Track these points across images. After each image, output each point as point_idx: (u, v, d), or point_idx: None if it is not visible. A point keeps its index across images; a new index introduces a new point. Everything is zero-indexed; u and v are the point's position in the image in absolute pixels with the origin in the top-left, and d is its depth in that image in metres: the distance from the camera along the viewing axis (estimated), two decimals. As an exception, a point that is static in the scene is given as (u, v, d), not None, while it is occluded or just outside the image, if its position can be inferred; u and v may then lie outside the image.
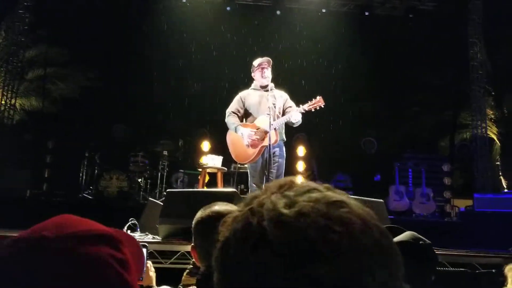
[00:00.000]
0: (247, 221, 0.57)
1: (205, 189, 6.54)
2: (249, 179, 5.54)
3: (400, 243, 2.01)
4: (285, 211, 0.55)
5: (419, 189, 9.65)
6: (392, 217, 7.63)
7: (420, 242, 1.99)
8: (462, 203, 9.81)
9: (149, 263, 2.48)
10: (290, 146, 7.99)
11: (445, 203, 9.92)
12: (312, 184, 0.62)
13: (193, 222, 2.01)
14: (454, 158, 11.61)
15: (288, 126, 5.44)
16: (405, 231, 2.10)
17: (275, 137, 5.22)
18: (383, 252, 0.56)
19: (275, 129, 5.21)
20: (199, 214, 2.02)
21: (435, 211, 9.52)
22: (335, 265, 0.52)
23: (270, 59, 5.45)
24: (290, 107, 5.40)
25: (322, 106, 5.14)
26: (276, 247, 0.53)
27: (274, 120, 5.22)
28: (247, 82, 5.68)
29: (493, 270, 4.43)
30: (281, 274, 0.52)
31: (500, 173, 12.23)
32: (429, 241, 2.02)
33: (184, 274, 2.41)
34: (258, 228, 0.55)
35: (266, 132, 5.14)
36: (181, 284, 2.21)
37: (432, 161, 10.52)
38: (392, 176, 9.91)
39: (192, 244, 2.03)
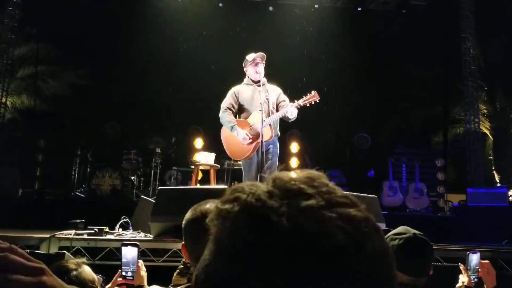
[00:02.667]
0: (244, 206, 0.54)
1: (197, 186, 6.50)
2: (243, 175, 5.53)
3: (394, 235, 2.01)
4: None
5: (413, 184, 9.66)
6: (385, 212, 7.65)
7: (413, 232, 2.00)
8: (455, 198, 9.85)
9: (140, 262, 2.44)
10: (283, 142, 7.97)
11: (439, 198, 9.95)
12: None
13: (183, 222, 1.98)
14: (448, 153, 11.63)
15: (282, 121, 5.43)
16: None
17: (270, 133, 5.21)
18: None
19: (269, 124, 5.19)
20: (189, 213, 1.99)
21: (428, 206, 9.54)
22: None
23: (264, 54, 5.43)
24: (284, 101, 5.38)
25: (317, 101, 5.12)
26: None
27: (268, 115, 5.20)
28: (240, 78, 5.65)
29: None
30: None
31: (493, 168, 12.29)
32: (420, 233, 2.03)
33: (175, 274, 2.38)
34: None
35: (259, 129, 5.12)
36: (172, 284, 2.18)
37: (425, 156, 10.53)
38: (386, 172, 9.92)
39: (183, 243, 2.00)
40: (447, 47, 11.66)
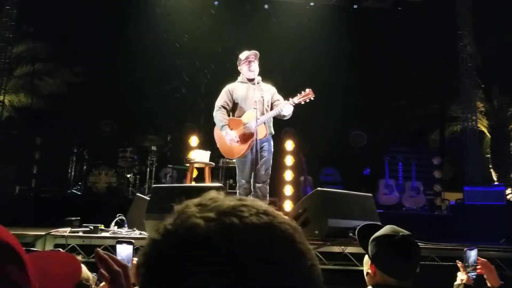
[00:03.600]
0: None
1: (192, 184, 6.50)
2: (237, 173, 5.52)
3: (381, 237, 1.99)
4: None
5: (409, 182, 9.67)
6: (381, 211, 7.63)
7: (400, 234, 1.97)
8: (452, 196, 9.84)
9: (135, 260, 2.44)
10: (278, 140, 7.95)
11: (435, 197, 9.95)
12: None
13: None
14: (444, 151, 11.63)
15: (276, 119, 5.43)
16: (383, 227, 2.08)
17: (265, 131, 5.22)
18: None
19: (264, 123, 5.19)
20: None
21: (425, 205, 9.54)
22: None
23: (257, 52, 5.43)
24: (278, 100, 5.40)
25: (312, 99, 5.13)
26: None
27: (262, 113, 5.21)
28: (235, 76, 5.65)
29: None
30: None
31: (491, 166, 12.28)
32: (409, 232, 2.01)
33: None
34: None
35: (253, 127, 5.12)
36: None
37: (422, 154, 10.55)
38: (382, 170, 9.92)
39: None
40: (443, 44, 11.65)
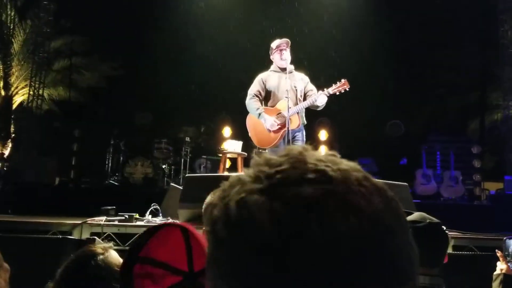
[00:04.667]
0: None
1: (224, 173, 6.53)
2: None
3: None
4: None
5: (448, 172, 9.40)
6: (418, 201, 7.47)
7: (427, 221, 1.91)
8: (493, 186, 9.53)
9: None
10: (311, 130, 7.89)
11: (475, 186, 9.63)
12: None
13: (203, 206, 1.98)
14: (485, 140, 11.26)
15: (309, 109, 5.37)
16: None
17: (298, 121, 5.17)
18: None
19: (297, 113, 5.15)
20: (208, 197, 1.99)
21: (464, 195, 9.26)
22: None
23: (288, 40, 5.37)
24: (311, 90, 5.32)
25: (347, 89, 5.05)
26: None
27: (295, 103, 5.16)
28: (266, 64, 5.61)
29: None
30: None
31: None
32: (438, 220, 1.94)
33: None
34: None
35: (286, 117, 5.08)
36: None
37: (461, 143, 10.22)
38: (419, 160, 9.69)
39: (203, 228, 2.00)
40: (484, 30, 11.24)
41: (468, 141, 10.56)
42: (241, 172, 0.55)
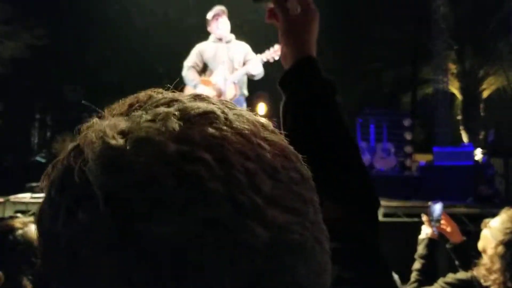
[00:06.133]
0: (67, 167, 0.36)
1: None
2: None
3: None
4: (115, 141, 0.34)
5: (380, 144, 9.67)
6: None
7: None
8: (423, 158, 9.91)
9: None
10: (250, 103, 7.81)
11: (406, 158, 9.99)
12: (176, 95, 0.40)
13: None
14: (416, 113, 11.68)
15: (251, 82, 5.28)
16: None
17: (234, 91, 5.05)
18: (279, 180, 0.35)
19: (234, 83, 5.03)
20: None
21: (395, 166, 9.58)
22: (198, 213, 0.32)
23: (224, 7, 5.19)
24: (252, 59, 5.17)
25: None
26: (103, 201, 0.32)
27: (231, 73, 5.03)
28: (205, 37, 5.43)
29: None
30: (114, 240, 0.32)
31: (461, 127, 12.43)
32: None
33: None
34: (79, 174, 0.34)
35: (222, 87, 4.96)
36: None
37: (394, 116, 10.52)
38: (354, 133, 9.90)
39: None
40: (417, 5, 11.53)
41: (401, 115, 10.91)
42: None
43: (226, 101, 0.41)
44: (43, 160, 8.46)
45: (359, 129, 9.91)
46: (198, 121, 0.36)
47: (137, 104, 0.39)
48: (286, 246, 0.33)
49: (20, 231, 1.87)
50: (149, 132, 0.34)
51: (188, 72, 5.20)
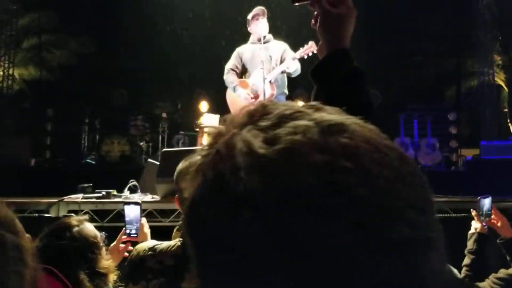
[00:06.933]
0: (216, 173, 0.41)
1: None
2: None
3: None
4: (263, 151, 0.39)
5: (425, 139, 9.49)
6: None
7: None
8: (469, 152, 9.66)
9: (144, 220, 2.52)
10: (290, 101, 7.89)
11: (451, 153, 9.77)
12: (294, 106, 0.45)
13: (175, 173, 1.96)
14: (461, 107, 11.38)
15: (291, 80, 5.34)
16: None
17: (271, 91, 5.10)
18: (407, 184, 0.40)
19: (270, 82, 5.08)
20: (180, 165, 1.95)
21: (441, 161, 9.38)
22: (350, 217, 0.36)
23: (264, 8, 5.26)
24: (288, 57, 5.22)
25: (315, 52, 4.95)
26: (262, 205, 0.37)
27: (269, 73, 5.09)
28: (245, 38, 5.52)
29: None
30: (272, 240, 0.37)
31: (508, 120, 12.02)
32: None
33: (174, 230, 2.38)
34: (232, 180, 0.39)
35: (260, 88, 5.03)
36: (172, 239, 2.19)
37: (438, 111, 10.30)
38: (397, 128, 9.76)
39: (177, 195, 1.99)
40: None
41: (445, 109, 10.66)
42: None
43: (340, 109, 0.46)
44: (92, 162, 8.79)
45: (402, 125, 9.77)
46: (332, 132, 0.40)
47: (257, 115, 0.44)
48: (423, 242, 0.38)
49: (76, 228, 2.01)
50: (294, 143, 0.38)
51: (228, 75, 5.33)
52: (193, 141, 8.72)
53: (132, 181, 5.30)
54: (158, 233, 2.50)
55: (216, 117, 6.51)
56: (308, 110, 0.43)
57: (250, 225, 0.37)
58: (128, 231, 2.42)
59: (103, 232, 2.28)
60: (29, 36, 11.52)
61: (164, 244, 1.99)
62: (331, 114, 0.43)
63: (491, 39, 10.88)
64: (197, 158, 0.45)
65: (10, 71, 10.67)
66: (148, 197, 4.99)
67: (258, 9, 5.23)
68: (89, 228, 2.09)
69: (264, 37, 5.22)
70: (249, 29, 5.36)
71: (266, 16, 5.26)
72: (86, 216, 2.27)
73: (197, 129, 6.71)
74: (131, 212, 2.45)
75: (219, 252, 0.39)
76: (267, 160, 0.38)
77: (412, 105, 10.57)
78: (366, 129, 0.43)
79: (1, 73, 10.54)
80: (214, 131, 0.46)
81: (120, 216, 4.65)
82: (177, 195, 1.99)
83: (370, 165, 0.38)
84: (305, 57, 4.98)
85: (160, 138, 8.93)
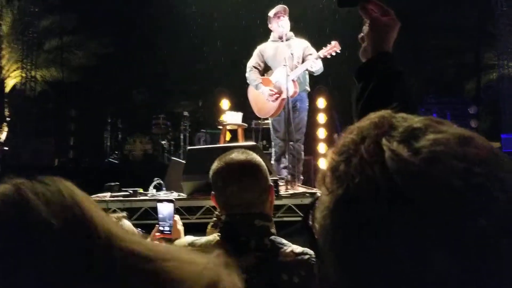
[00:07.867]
0: (367, 176, 0.47)
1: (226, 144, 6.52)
2: (271, 133, 5.56)
3: None
4: (413, 159, 0.46)
5: (445, 133, 9.43)
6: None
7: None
8: (490, 146, 9.56)
9: (177, 217, 2.54)
10: (310, 98, 7.89)
11: (472, 146, 9.68)
12: (414, 119, 0.51)
13: (210, 173, 2.00)
14: (481, 100, 11.25)
15: (312, 77, 5.36)
16: None
17: (294, 88, 5.12)
18: None
19: (293, 80, 5.10)
20: (215, 164, 2.00)
21: (461, 155, 9.32)
22: (492, 213, 0.44)
23: (286, 7, 5.30)
24: (311, 54, 5.21)
25: (338, 51, 4.98)
26: (418, 204, 0.44)
27: (292, 70, 5.11)
28: (265, 35, 5.55)
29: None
30: (430, 226, 0.44)
31: (530, 113, 11.86)
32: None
33: (208, 226, 2.44)
34: (384, 181, 0.46)
35: (283, 85, 5.05)
36: (206, 235, 2.23)
37: (457, 104, 10.23)
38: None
39: (213, 193, 2.03)
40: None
41: (465, 102, 10.57)
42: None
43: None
44: (115, 161, 8.90)
45: (422, 119, 9.69)
46: (465, 143, 0.47)
47: (385, 126, 0.51)
48: None
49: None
50: (435, 153, 0.46)
51: (250, 73, 5.37)
52: (215, 138, 8.78)
53: (157, 179, 5.36)
54: (185, 230, 2.52)
55: (239, 114, 6.55)
56: (432, 123, 0.50)
57: (405, 216, 0.45)
58: (161, 228, 2.44)
59: (139, 229, 2.35)
60: (50, 38, 11.69)
61: (203, 239, 2.05)
62: (451, 127, 0.50)
63: (510, 31, 10.72)
64: (328, 159, 0.55)
65: (33, 73, 10.83)
66: (174, 195, 5.05)
67: (281, 7, 5.27)
68: (128, 225, 2.15)
69: (286, 34, 5.25)
70: (269, 26, 5.41)
71: (287, 14, 5.29)
72: (125, 213, 2.33)
73: (220, 127, 6.77)
74: (164, 210, 2.48)
75: (375, 237, 0.47)
76: (416, 166, 0.45)
77: (431, 98, 10.50)
78: (482, 138, 0.50)
79: (24, 75, 10.70)
80: (345, 140, 0.54)
81: (147, 213, 4.73)
82: (213, 192, 2.02)
83: (496, 171, 0.46)
84: (328, 56, 5.00)
85: (182, 137, 9.00)
